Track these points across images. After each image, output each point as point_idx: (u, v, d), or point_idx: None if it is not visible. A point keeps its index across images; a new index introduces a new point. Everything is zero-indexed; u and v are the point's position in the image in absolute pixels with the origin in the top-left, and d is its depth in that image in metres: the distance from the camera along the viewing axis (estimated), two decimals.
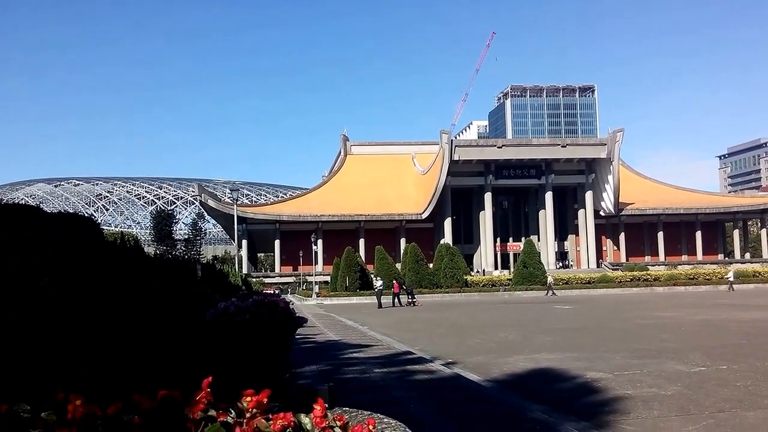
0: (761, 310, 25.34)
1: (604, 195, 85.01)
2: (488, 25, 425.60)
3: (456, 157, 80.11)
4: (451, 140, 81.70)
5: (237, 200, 67.22)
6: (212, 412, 1.55)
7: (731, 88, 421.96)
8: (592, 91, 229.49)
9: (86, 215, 8.38)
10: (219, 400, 1.59)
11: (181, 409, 1.53)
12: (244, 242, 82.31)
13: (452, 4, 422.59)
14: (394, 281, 43.24)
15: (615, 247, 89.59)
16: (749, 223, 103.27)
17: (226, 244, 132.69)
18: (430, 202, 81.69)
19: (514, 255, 78.41)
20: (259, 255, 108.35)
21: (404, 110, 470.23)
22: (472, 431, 6.44)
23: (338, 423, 1.66)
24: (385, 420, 2.07)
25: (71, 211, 12.80)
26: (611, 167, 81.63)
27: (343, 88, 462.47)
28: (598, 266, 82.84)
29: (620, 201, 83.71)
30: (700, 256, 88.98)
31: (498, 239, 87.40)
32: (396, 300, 39.42)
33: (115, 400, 1.50)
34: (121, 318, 3.84)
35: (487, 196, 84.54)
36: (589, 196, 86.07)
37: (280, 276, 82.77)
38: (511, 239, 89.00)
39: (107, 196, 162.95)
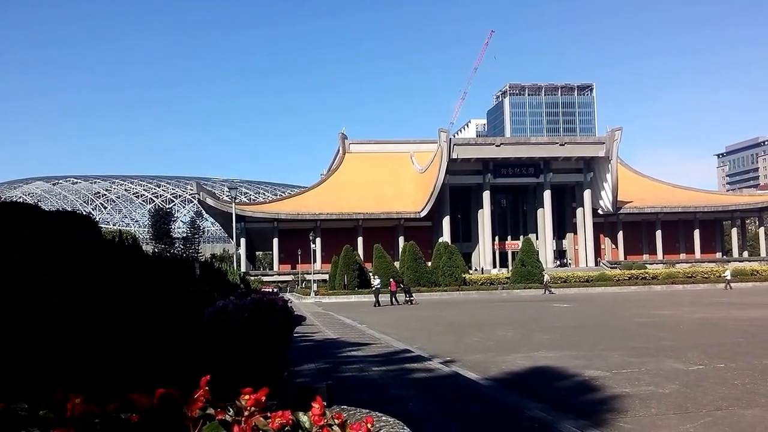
0: (759, 308, 25.38)
1: (603, 193, 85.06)
2: (487, 24, 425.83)
3: (454, 156, 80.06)
4: (450, 139, 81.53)
5: (235, 198, 67.04)
6: (210, 411, 1.56)
7: (730, 87, 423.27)
8: (591, 90, 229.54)
9: (84, 213, 8.37)
10: (217, 399, 1.59)
11: (180, 408, 1.54)
12: (243, 240, 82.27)
13: (451, 3, 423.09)
14: (392, 279, 43.26)
15: (613, 246, 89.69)
16: (747, 221, 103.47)
17: (224, 242, 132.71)
18: (428, 201, 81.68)
19: (513, 253, 78.44)
20: (257, 253, 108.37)
21: (403, 109, 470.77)
22: (470, 429, 6.44)
23: (336, 421, 1.66)
24: (384, 418, 2.07)
25: (69, 209, 12.79)
26: (609, 166, 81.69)
27: (342, 86, 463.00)
28: (596, 265, 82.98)
29: (618, 199, 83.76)
30: (698, 254, 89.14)
31: (496, 238, 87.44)
32: (393, 298, 39.43)
33: (114, 399, 1.50)
34: (119, 316, 3.84)
35: (486, 195, 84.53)
36: (587, 194, 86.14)
37: (279, 274, 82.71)
38: (509, 238, 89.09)
39: (105, 195, 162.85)
